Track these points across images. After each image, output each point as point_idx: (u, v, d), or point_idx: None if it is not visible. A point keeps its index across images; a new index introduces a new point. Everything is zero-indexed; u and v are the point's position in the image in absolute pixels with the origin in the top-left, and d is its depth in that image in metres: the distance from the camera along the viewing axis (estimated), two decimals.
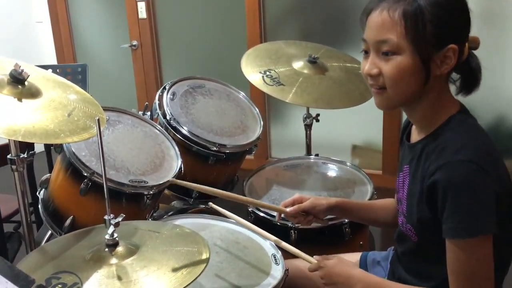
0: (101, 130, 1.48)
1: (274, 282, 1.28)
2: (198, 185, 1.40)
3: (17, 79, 1.20)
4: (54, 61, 4.05)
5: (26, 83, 1.22)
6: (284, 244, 1.33)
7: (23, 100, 1.19)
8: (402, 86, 1.03)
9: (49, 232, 1.93)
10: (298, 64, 1.97)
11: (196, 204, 1.85)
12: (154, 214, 1.67)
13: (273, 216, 1.64)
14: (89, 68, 2.36)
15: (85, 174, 1.39)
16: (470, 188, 0.96)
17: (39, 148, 2.46)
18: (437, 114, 1.07)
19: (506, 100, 2.77)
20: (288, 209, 1.36)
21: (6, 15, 3.84)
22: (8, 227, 2.23)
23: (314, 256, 1.24)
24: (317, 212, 1.36)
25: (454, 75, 1.09)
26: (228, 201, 1.47)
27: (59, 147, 1.47)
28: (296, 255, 1.29)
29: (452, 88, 1.10)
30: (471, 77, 1.07)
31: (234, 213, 1.46)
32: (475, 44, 1.07)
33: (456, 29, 1.02)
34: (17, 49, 3.83)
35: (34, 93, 1.23)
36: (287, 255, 1.36)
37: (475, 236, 0.97)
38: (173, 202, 1.94)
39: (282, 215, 1.45)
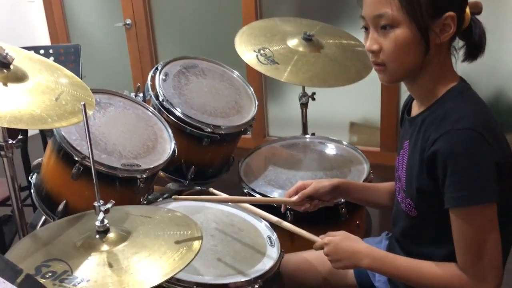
0: (92, 113, 1.46)
1: (269, 264, 1.28)
2: (204, 196, 1.39)
3: (2, 63, 1.16)
4: (47, 42, 3.99)
5: (11, 66, 1.19)
6: (286, 224, 1.32)
7: (8, 84, 1.16)
8: (402, 59, 1.03)
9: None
10: (293, 42, 1.93)
11: (192, 185, 1.84)
12: (149, 197, 1.66)
13: (269, 197, 1.63)
14: (83, 48, 2.31)
15: (76, 159, 1.37)
16: (471, 156, 0.96)
17: (33, 130, 2.44)
18: (438, 86, 1.07)
19: (505, 74, 2.73)
20: (293, 199, 1.35)
21: None
22: (6, 210, 2.22)
23: (320, 236, 1.22)
24: (321, 195, 1.34)
25: (458, 44, 1.08)
26: (224, 182, 1.45)
27: (50, 131, 1.45)
28: (298, 234, 1.28)
29: (454, 60, 1.09)
30: (475, 43, 1.07)
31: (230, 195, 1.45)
32: (477, 9, 1.07)
33: None
34: (9, 30, 3.78)
35: (20, 77, 1.19)
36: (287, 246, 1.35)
37: (476, 204, 0.97)
38: (168, 184, 1.93)
39: (287, 206, 1.44)
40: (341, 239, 1.18)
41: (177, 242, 1.03)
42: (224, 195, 1.36)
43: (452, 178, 0.97)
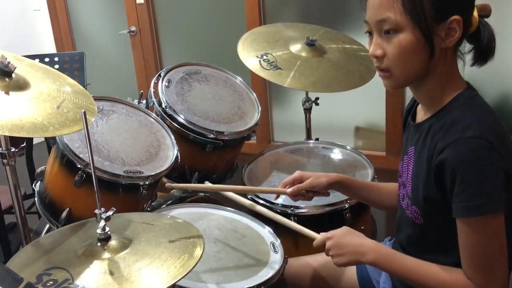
0: (95, 121, 1.47)
1: (273, 271, 1.27)
2: (198, 185, 1.40)
3: (4, 71, 1.17)
4: (53, 49, 4.01)
5: (13, 75, 1.20)
6: (285, 220, 1.32)
7: (10, 93, 1.16)
8: (407, 65, 1.01)
9: None
10: (295, 47, 1.93)
11: (195, 192, 1.83)
12: (153, 203, 1.66)
13: (273, 203, 1.62)
14: (88, 56, 2.32)
15: (79, 166, 1.37)
16: (480, 165, 0.94)
17: (39, 138, 2.45)
18: (445, 91, 1.05)
19: (511, 77, 2.70)
20: (288, 190, 1.35)
21: (3, 4, 3.80)
22: (12, 218, 2.23)
23: (320, 234, 1.20)
24: (317, 190, 1.35)
25: (466, 48, 1.07)
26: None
27: (53, 139, 1.45)
28: (299, 231, 1.27)
29: (460, 64, 1.07)
30: (484, 47, 1.05)
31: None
32: (486, 11, 1.05)
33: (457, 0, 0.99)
34: (15, 38, 3.80)
35: (22, 86, 1.20)
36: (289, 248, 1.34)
37: (484, 214, 0.96)
38: (172, 191, 1.92)
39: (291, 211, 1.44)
40: (344, 233, 1.16)
41: (178, 250, 1.03)
42: (217, 185, 1.35)
43: (461, 187, 0.96)
